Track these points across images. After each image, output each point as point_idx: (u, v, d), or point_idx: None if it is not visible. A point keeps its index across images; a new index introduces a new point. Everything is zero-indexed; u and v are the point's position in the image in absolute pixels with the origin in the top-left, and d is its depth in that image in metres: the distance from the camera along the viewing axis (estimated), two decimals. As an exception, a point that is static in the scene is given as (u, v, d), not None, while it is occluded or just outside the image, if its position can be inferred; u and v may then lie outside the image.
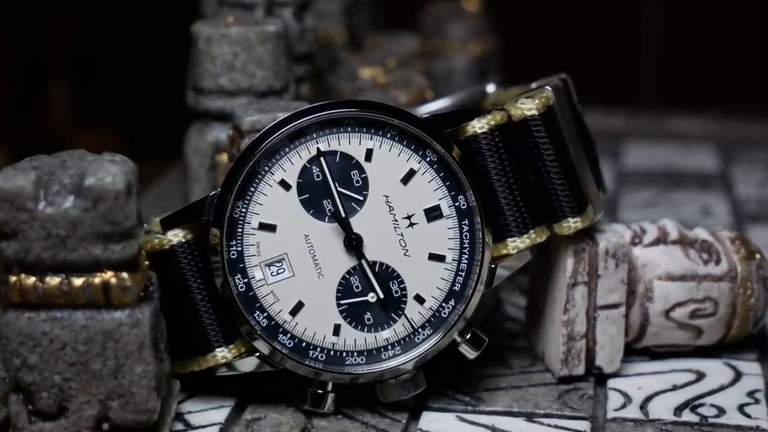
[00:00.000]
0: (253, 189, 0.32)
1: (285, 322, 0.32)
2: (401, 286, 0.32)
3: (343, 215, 0.32)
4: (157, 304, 0.30)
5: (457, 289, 0.32)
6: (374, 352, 0.32)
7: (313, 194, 0.32)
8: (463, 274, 0.32)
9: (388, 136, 0.32)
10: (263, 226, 0.32)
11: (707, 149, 0.65)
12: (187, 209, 0.33)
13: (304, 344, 0.32)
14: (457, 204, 0.32)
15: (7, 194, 0.27)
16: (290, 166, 0.32)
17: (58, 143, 0.88)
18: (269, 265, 0.32)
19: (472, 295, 0.32)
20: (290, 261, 0.32)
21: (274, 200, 0.32)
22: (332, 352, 0.32)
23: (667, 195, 0.57)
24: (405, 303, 0.32)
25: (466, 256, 0.32)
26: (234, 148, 0.35)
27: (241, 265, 0.31)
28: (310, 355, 0.32)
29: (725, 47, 0.89)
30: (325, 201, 0.32)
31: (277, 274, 0.32)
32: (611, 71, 0.90)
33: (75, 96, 1.05)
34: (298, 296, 0.32)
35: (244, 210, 0.32)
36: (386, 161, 0.32)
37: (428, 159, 0.32)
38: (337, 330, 0.32)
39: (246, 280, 0.32)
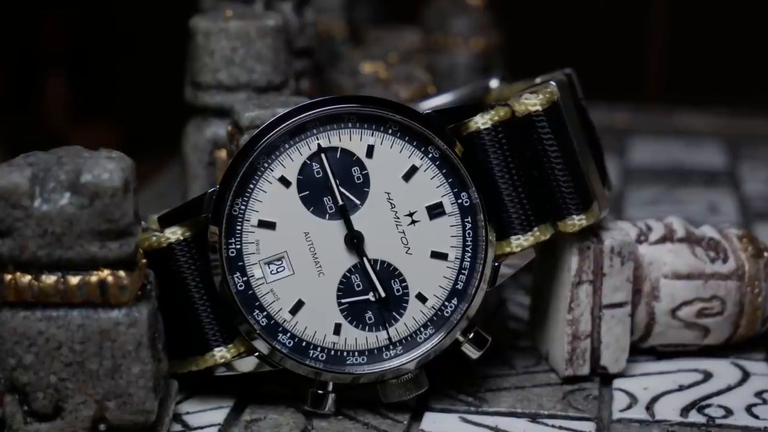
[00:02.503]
0: (252, 186, 0.31)
1: (285, 321, 0.31)
2: (403, 284, 0.32)
3: (345, 212, 0.31)
4: (154, 302, 0.29)
5: (460, 288, 0.31)
6: (375, 351, 0.32)
7: (313, 191, 0.31)
8: (466, 272, 0.31)
9: (390, 132, 0.31)
10: (263, 224, 0.31)
11: (714, 145, 0.65)
12: (185, 206, 0.32)
13: (304, 344, 0.31)
14: (459, 201, 0.31)
15: (1, 191, 0.27)
16: (290, 162, 0.31)
17: (55, 139, 0.88)
18: (269, 264, 0.31)
19: (475, 294, 0.31)
20: (290, 259, 0.31)
21: (273, 197, 0.31)
22: (333, 352, 0.31)
23: (673, 192, 0.56)
24: (407, 302, 0.32)
25: (469, 254, 0.31)
26: (233, 144, 0.35)
27: (240, 264, 0.31)
28: (311, 354, 0.31)
29: (733, 42, 0.89)
30: (325, 198, 0.31)
31: (277, 272, 0.31)
32: (617, 66, 0.90)
33: (72, 91, 1.05)
34: (298, 295, 0.31)
35: (243, 207, 0.31)
36: (388, 158, 0.31)
37: (430, 155, 0.31)
38: (337, 329, 0.31)
39: (245, 279, 0.31)
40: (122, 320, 0.28)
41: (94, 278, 0.28)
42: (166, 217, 0.32)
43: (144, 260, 0.29)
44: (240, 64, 0.40)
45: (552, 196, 0.32)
